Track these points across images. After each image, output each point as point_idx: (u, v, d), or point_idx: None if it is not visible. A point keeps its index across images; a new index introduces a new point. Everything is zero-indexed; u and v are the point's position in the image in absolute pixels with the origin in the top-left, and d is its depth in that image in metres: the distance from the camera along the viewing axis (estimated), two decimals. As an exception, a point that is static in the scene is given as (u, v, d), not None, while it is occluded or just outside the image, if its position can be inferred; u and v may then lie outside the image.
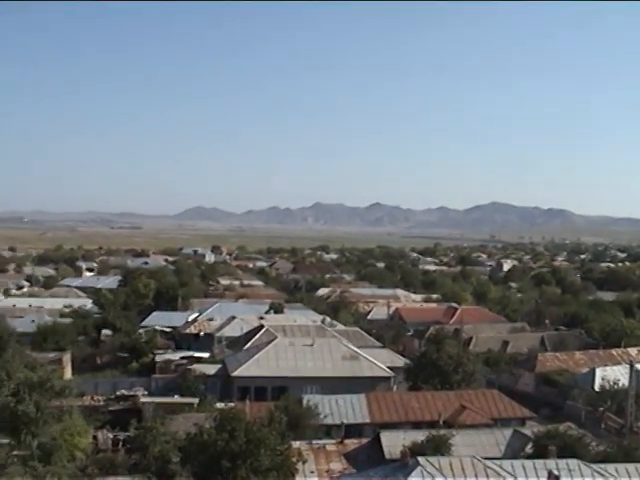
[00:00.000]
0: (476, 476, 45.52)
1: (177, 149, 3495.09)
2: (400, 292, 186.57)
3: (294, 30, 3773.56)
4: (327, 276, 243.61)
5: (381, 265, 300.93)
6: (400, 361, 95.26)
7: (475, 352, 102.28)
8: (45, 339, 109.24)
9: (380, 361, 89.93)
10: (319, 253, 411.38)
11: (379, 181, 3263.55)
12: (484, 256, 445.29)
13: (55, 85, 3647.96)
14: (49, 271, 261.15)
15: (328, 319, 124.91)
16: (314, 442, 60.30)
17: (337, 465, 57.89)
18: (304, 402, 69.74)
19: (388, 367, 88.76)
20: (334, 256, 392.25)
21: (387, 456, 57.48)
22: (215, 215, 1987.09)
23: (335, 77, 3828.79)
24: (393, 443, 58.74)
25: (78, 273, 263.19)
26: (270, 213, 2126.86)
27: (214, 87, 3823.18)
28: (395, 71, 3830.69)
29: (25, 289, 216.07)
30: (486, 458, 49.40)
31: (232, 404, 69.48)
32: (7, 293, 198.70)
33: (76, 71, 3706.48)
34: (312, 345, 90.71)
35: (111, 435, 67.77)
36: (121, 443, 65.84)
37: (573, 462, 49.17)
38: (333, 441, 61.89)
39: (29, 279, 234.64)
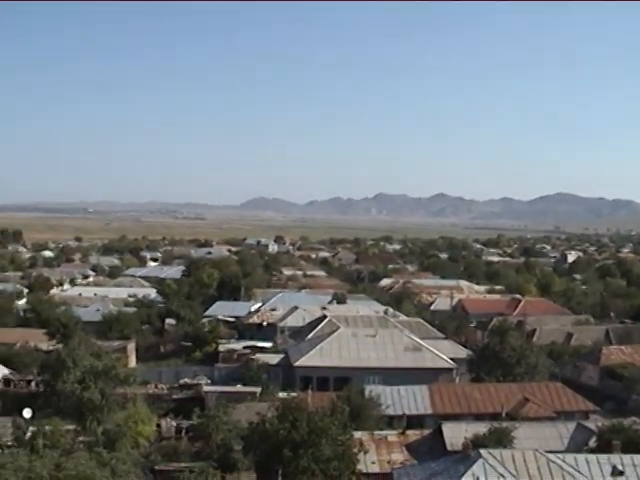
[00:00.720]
0: (538, 469, 45.10)
1: (242, 140, 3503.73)
2: (463, 283, 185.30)
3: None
4: (390, 267, 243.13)
5: (444, 256, 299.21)
6: (463, 352, 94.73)
7: (538, 344, 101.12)
8: (110, 328, 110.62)
9: (442, 352, 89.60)
10: (382, 244, 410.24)
11: (443, 171, 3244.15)
12: (548, 247, 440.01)
13: (124, 77, 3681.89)
14: (114, 261, 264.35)
15: (391, 310, 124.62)
16: (376, 433, 60.25)
17: (398, 456, 57.77)
18: (366, 393, 69.67)
19: (450, 358, 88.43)
20: (397, 247, 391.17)
21: (449, 448, 57.23)
22: (278, 206, 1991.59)
23: (400, 67, 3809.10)
24: (455, 435, 58.47)
25: (142, 263, 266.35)
26: (332, 204, 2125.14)
27: (286, 79, 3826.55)
28: (457, 59, 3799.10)
29: (91, 278, 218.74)
30: (549, 451, 48.93)
31: (294, 394, 69.68)
32: (73, 282, 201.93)
33: (144, 62, 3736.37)
34: (375, 336, 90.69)
35: (174, 423, 68.44)
36: (184, 431, 66.43)
37: (638, 457, 48.46)
38: (395, 432, 61.73)
39: (94, 269, 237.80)
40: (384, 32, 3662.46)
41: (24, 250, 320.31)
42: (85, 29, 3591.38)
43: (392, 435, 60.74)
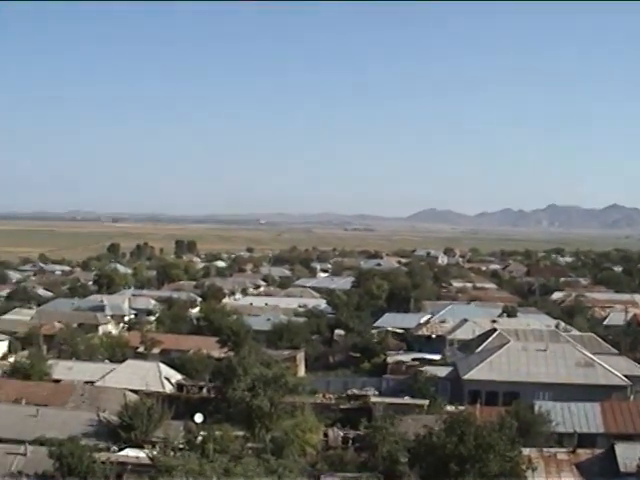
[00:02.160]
0: None
1: (412, 154, 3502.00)
2: (638, 297, 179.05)
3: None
4: (562, 280, 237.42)
5: (618, 269, 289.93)
6: (638, 370, 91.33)
7: None
8: (280, 337, 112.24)
9: (616, 369, 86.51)
10: (553, 256, 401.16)
11: (617, 182, 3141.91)
12: None
13: (299, 102, 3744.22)
14: (285, 271, 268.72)
15: (562, 324, 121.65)
16: (545, 450, 58.74)
17: (568, 475, 56.09)
18: (536, 408, 68.30)
19: (625, 375, 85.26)
20: (569, 259, 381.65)
21: (622, 469, 55.08)
22: (447, 217, 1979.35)
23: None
24: (629, 456, 56.19)
25: (313, 273, 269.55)
26: (503, 215, 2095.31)
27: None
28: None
29: (262, 288, 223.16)
30: None
31: (462, 407, 68.97)
32: (245, 292, 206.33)
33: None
34: (545, 350, 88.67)
35: (341, 433, 68.85)
36: (351, 441, 66.72)
37: None
38: (564, 450, 60.04)
39: (265, 279, 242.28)
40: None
41: (198, 260, 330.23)
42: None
43: (562, 453, 59.06)
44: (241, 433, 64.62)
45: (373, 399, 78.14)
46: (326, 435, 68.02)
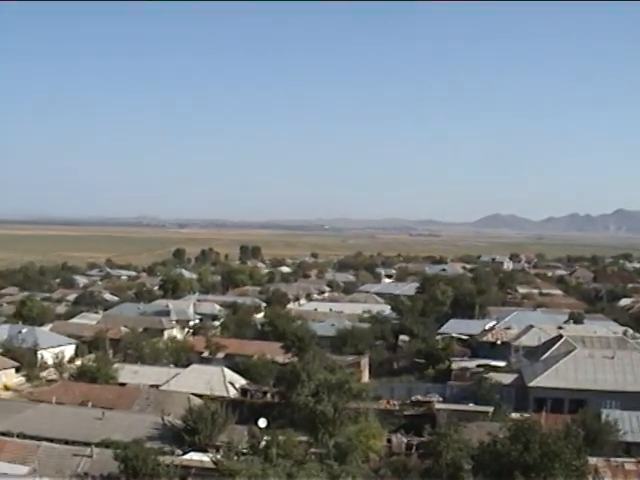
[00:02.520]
0: None
1: (476, 160, 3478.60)
2: None
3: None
4: (629, 286, 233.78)
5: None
6: None
7: None
8: (344, 343, 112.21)
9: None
10: (621, 262, 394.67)
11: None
12: None
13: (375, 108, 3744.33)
14: (349, 277, 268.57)
15: (630, 331, 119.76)
16: (612, 460, 57.84)
17: (636, 485, 55.24)
18: (603, 417, 67.31)
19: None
20: (637, 265, 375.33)
21: (692, 479, 54.15)
22: (513, 222, 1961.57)
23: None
24: (699, 466, 55.23)
25: (377, 279, 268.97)
26: (570, 220, 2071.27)
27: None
28: None
29: (326, 294, 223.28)
30: None
31: (527, 415, 68.18)
32: (309, 297, 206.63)
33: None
34: (613, 358, 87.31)
35: (405, 439, 68.52)
36: (414, 447, 66.36)
37: None
38: (633, 460, 59.04)
39: (330, 284, 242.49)
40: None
41: (263, 266, 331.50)
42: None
43: (630, 463, 58.06)
44: (304, 438, 64.59)
45: (437, 406, 77.73)
46: (389, 441, 67.77)
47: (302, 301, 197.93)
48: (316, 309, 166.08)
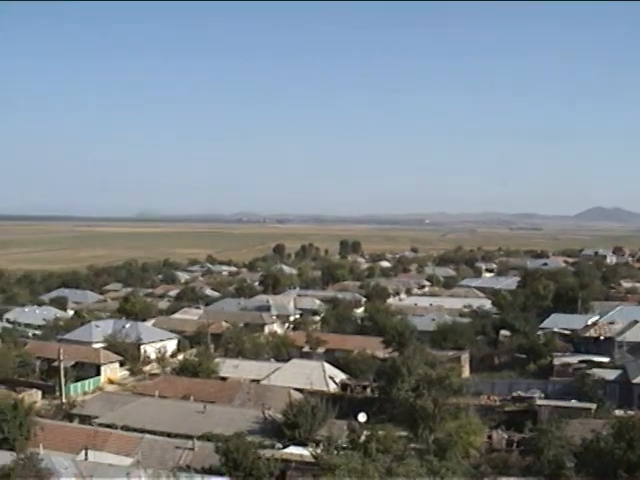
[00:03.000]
0: None
1: (576, 149, 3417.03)
2: None
3: None
4: None
5: None
6: None
7: None
8: (444, 338, 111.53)
9: None
10: None
11: None
12: None
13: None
14: (449, 271, 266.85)
15: None
16: None
17: None
18: None
19: None
20: None
21: None
22: (617, 215, 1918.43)
23: None
24: None
25: (477, 273, 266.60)
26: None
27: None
28: None
29: (426, 288, 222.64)
30: None
31: (632, 412, 66.77)
32: (409, 292, 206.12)
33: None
34: None
35: (506, 435, 67.83)
36: (515, 444, 65.61)
37: None
38: None
39: (430, 279, 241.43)
40: None
41: (362, 260, 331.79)
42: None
43: None
44: (404, 433, 64.53)
45: (538, 402, 76.68)
46: (490, 437, 67.17)
47: (402, 296, 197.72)
48: (416, 304, 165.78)
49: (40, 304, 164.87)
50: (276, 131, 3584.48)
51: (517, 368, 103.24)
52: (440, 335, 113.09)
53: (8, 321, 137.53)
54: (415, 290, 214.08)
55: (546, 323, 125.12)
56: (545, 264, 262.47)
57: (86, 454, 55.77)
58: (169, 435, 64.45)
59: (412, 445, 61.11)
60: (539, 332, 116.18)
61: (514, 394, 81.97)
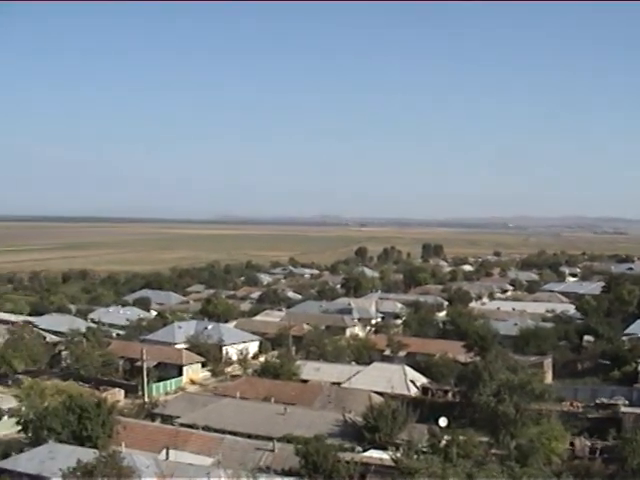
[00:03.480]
0: None
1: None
2: None
3: None
4: None
5: None
6: None
7: None
8: (527, 342, 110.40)
9: None
10: None
11: None
12: None
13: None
14: (532, 275, 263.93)
15: None
16: None
17: None
18: None
19: None
20: None
21: None
22: None
23: None
24: None
25: (561, 278, 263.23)
26: None
27: None
28: None
29: (509, 293, 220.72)
30: None
31: None
32: (492, 296, 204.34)
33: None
34: None
35: (589, 443, 66.82)
36: (598, 452, 64.59)
37: None
38: None
39: (513, 283, 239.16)
40: None
41: (445, 264, 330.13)
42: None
43: None
44: (485, 439, 64.01)
45: (623, 409, 75.34)
46: (572, 444, 66.20)
47: (484, 300, 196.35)
48: (499, 308, 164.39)
49: (124, 304, 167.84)
50: (361, 135, 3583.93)
51: (601, 374, 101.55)
52: (523, 340, 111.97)
53: (92, 321, 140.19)
54: (497, 294, 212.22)
55: (631, 329, 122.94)
56: (630, 269, 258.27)
57: (167, 453, 56.60)
58: (249, 436, 64.93)
59: (493, 451, 60.68)
60: (624, 338, 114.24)
61: (597, 401, 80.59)
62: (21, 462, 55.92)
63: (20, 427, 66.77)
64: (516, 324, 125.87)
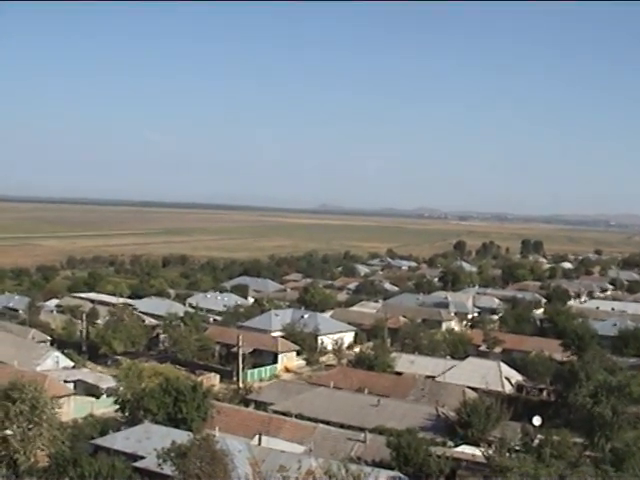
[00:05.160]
0: None
1: None
2: None
3: None
4: None
5: None
6: None
7: None
8: (626, 344, 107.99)
9: None
10: None
11: None
12: None
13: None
14: (634, 275, 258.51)
15: None
16: None
17: None
18: None
19: None
20: None
21: None
22: None
23: None
24: None
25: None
26: None
27: None
28: None
29: (608, 292, 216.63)
30: None
31: None
32: (591, 295, 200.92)
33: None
34: None
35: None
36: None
37: None
38: None
39: (613, 282, 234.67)
40: None
41: (544, 261, 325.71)
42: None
43: None
44: (580, 440, 63.02)
45: None
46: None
47: (583, 298, 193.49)
48: (598, 307, 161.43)
49: (222, 291, 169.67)
50: (466, 129, 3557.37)
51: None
52: (622, 341, 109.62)
53: (190, 306, 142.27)
54: (597, 293, 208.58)
55: None
56: None
57: (260, 439, 57.18)
58: (342, 426, 65.16)
59: (587, 453, 59.65)
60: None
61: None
62: (118, 440, 57.32)
63: (118, 406, 68.46)
64: (615, 324, 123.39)
